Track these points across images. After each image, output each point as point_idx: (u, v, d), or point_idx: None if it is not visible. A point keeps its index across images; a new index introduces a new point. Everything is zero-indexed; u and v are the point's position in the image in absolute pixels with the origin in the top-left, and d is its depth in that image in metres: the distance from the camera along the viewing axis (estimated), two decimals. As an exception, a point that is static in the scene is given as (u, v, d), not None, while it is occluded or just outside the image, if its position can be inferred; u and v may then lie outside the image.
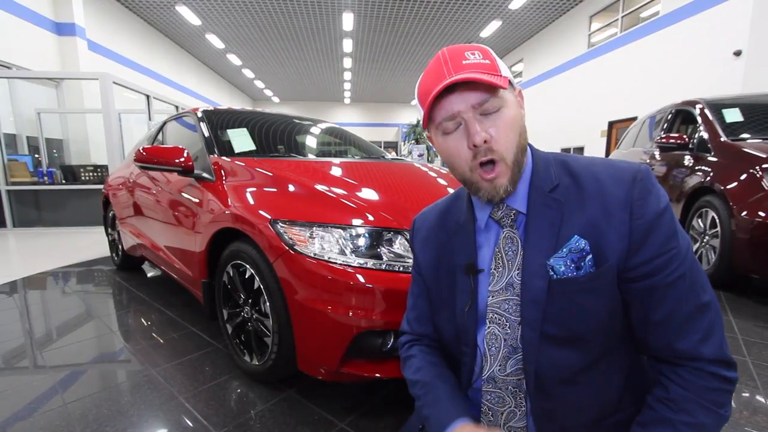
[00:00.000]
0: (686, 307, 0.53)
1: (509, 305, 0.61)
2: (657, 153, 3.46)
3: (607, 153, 9.01)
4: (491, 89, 0.55)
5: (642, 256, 0.53)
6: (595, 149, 9.66)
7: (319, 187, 1.42)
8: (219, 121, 2.10)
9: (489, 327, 0.62)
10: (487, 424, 0.64)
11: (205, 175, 1.76)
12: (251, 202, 1.44)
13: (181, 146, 1.83)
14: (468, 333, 0.65)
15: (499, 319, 0.62)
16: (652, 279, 0.53)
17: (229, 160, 1.74)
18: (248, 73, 16.42)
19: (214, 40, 12.27)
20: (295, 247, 1.19)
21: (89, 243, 4.34)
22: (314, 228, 1.21)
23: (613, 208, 0.55)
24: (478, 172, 0.58)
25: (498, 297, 0.62)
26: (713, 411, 0.52)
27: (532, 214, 0.60)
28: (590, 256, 0.55)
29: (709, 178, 2.58)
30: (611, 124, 9.19)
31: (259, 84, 18.43)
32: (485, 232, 0.65)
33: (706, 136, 2.82)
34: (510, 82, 0.58)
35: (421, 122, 0.64)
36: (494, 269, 0.62)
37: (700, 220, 2.68)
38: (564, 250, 0.56)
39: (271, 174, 1.56)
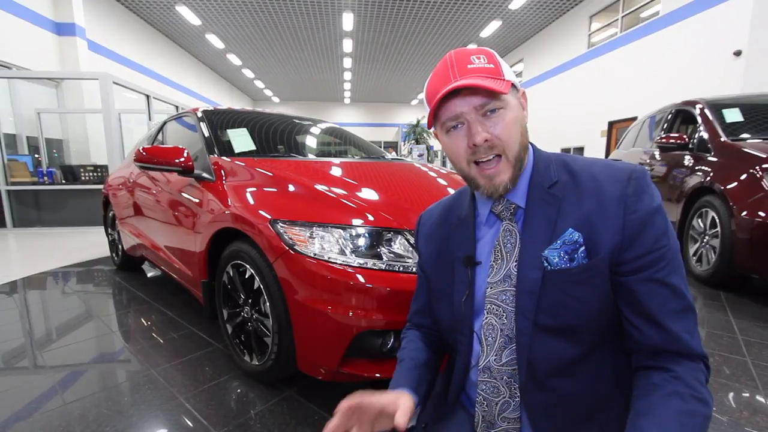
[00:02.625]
0: (677, 304, 0.55)
1: (506, 296, 0.63)
2: (657, 153, 3.46)
3: (607, 153, 9.01)
4: (493, 93, 0.57)
5: (635, 251, 0.55)
6: (595, 149, 9.66)
7: (319, 187, 1.42)
8: (219, 121, 2.10)
9: (486, 317, 0.64)
10: (482, 413, 0.66)
11: (205, 175, 1.75)
12: (251, 202, 1.44)
13: (181, 146, 1.82)
14: (464, 323, 0.67)
15: (497, 310, 0.63)
16: (644, 273, 0.55)
17: (229, 160, 1.74)
18: (248, 73, 16.41)
19: (214, 40, 12.27)
20: (295, 247, 1.19)
21: (89, 243, 4.33)
22: (314, 228, 1.21)
23: (608, 203, 0.57)
24: (475, 168, 0.61)
25: (496, 288, 0.64)
26: (709, 393, 0.54)
27: (530, 209, 0.62)
28: (583, 248, 0.57)
29: (709, 178, 2.58)
30: (611, 124, 9.19)
31: (259, 84, 18.42)
32: (486, 226, 0.68)
33: (706, 136, 2.82)
34: (513, 85, 0.61)
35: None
36: (493, 261, 0.64)
37: (700, 220, 2.68)
38: (558, 241, 0.58)
39: (271, 174, 1.56)
